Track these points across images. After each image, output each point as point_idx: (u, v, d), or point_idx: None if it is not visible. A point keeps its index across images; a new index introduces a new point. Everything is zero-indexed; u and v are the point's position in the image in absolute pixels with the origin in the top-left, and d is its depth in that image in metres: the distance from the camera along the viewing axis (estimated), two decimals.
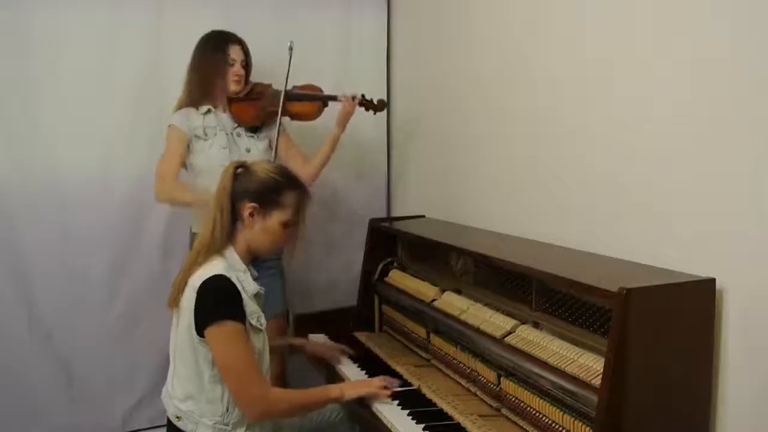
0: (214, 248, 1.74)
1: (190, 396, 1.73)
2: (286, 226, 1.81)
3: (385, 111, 2.89)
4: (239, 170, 1.80)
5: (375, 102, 2.76)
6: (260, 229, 1.79)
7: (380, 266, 2.60)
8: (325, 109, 2.70)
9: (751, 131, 1.43)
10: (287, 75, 2.53)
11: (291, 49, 2.49)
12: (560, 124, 2.04)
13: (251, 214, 1.77)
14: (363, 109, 2.75)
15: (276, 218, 1.79)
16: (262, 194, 1.78)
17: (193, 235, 2.60)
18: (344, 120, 2.68)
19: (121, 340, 2.89)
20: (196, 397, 1.73)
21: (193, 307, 1.68)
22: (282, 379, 2.53)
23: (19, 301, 2.76)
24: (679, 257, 1.58)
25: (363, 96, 2.74)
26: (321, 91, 2.70)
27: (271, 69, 2.69)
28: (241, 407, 1.71)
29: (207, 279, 1.68)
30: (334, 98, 2.67)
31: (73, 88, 2.76)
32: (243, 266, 1.77)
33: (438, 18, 2.78)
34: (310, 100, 2.66)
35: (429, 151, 2.92)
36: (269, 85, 2.63)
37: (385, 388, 1.91)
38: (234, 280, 1.71)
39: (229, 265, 1.74)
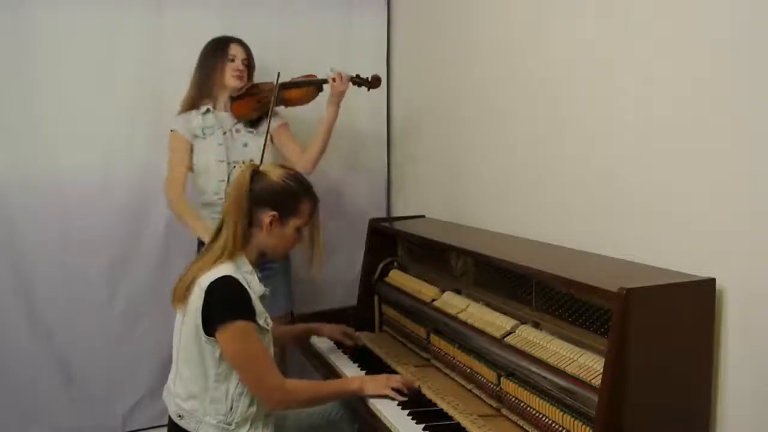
0: (234, 253, 1.76)
1: (194, 395, 1.74)
2: (299, 231, 1.85)
3: (384, 106, 2.86)
4: (254, 176, 1.81)
5: (369, 79, 2.72)
6: (278, 235, 1.82)
7: (380, 266, 2.60)
8: (321, 94, 2.69)
9: (750, 131, 1.43)
10: (275, 91, 2.53)
11: (279, 75, 2.53)
12: (560, 123, 2.04)
13: (271, 223, 1.79)
14: (357, 87, 2.70)
15: (292, 225, 1.83)
16: (281, 203, 1.80)
17: (199, 239, 2.61)
18: (337, 99, 2.63)
19: (121, 340, 2.89)
20: (200, 397, 1.73)
21: (200, 307, 1.69)
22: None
23: (19, 301, 2.76)
24: (679, 257, 1.58)
25: (357, 75, 2.70)
26: (315, 76, 2.70)
27: (271, 69, 2.69)
28: (262, 400, 1.75)
29: (215, 280, 1.70)
30: (325, 81, 2.64)
31: (73, 88, 2.76)
32: (249, 267, 1.79)
33: (438, 18, 2.78)
34: (303, 85, 2.66)
35: (429, 151, 2.92)
36: (268, 82, 2.64)
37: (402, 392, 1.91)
38: (241, 280, 1.73)
39: (236, 266, 1.75)
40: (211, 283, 1.69)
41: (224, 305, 1.69)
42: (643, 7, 1.70)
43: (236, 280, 1.71)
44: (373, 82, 2.73)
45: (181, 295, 1.76)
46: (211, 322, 1.68)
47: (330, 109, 2.65)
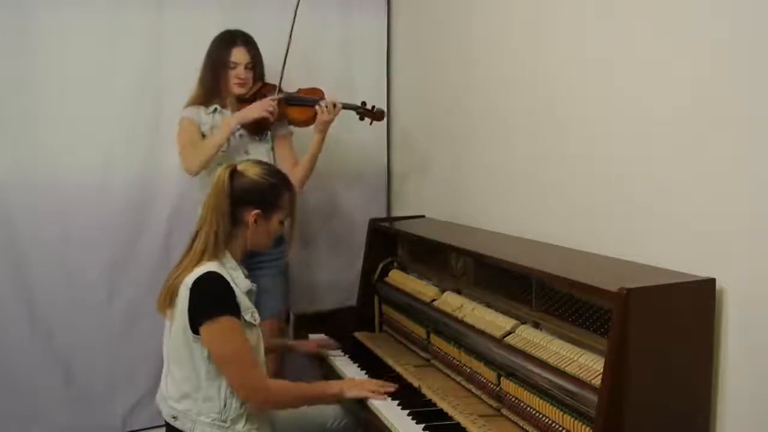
0: (216, 253, 1.76)
1: (187, 395, 1.74)
2: (282, 223, 1.88)
3: (384, 106, 2.88)
4: (233, 176, 1.80)
5: (374, 111, 2.71)
6: (263, 231, 1.84)
7: (380, 266, 2.60)
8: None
9: (750, 131, 1.43)
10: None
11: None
12: (560, 124, 2.04)
13: (256, 221, 1.80)
14: (359, 118, 2.71)
15: (276, 219, 1.85)
16: (263, 200, 1.81)
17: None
18: (323, 128, 2.59)
19: (120, 340, 2.89)
20: (192, 396, 1.74)
21: (186, 305, 1.70)
22: (280, 378, 2.53)
23: (19, 301, 2.76)
24: (679, 257, 1.58)
25: (363, 103, 2.71)
26: (322, 94, 2.66)
27: (271, 69, 2.69)
28: (243, 398, 1.74)
29: (199, 276, 1.71)
30: (316, 103, 2.58)
31: (73, 88, 2.76)
32: (235, 264, 1.80)
33: (438, 18, 2.78)
34: (307, 105, 2.63)
35: (429, 151, 2.92)
36: (276, 87, 2.62)
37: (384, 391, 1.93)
38: (226, 276, 1.73)
39: (220, 264, 1.76)
40: (195, 280, 1.70)
41: (208, 301, 1.70)
42: (643, 7, 1.70)
43: (220, 275, 1.72)
44: (378, 115, 2.72)
45: (165, 301, 1.76)
46: (196, 318, 1.69)
47: (316, 136, 2.61)
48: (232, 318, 1.70)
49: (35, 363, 2.78)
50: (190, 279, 1.71)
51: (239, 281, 1.78)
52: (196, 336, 1.70)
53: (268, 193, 1.82)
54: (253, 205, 1.80)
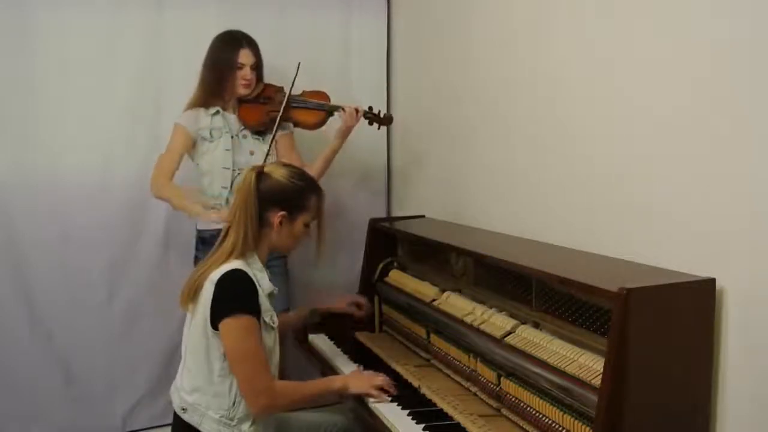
0: (244, 252, 1.78)
1: (198, 389, 1.75)
2: (308, 226, 1.89)
3: (384, 106, 2.89)
4: (260, 177, 1.83)
5: (381, 116, 2.73)
6: (287, 233, 1.86)
7: (380, 266, 2.60)
8: (330, 119, 2.68)
9: (750, 131, 1.43)
10: (291, 86, 2.54)
11: (299, 65, 2.52)
12: (560, 124, 2.04)
13: (281, 222, 1.82)
14: (368, 122, 2.72)
15: (301, 221, 1.87)
16: (288, 202, 1.84)
17: (198, 233, 2.61)
18: (345, 133, 2.63)
19: (120, 340, 2.89)
20: (203, 390, 1.75)
21: (210, 300, 1.71)
22: (282, 377, 2.53)
23: (19, 301, 2.76)
24: (679, 257, 1.58)
25: (370, 108, 2.71)
26: (328, 99, 2.67)
27: (270, 69, 2.69)
28: (247, 400, 1.74)
29: (225, 273, 1.73)
30: (337, 108, 2.63)
31: (73, 88, 2.76)
32: (260, 265, 1.82)
33: (438, 18, 2.78)
34: (315, 109, 2.64)
35: (429, 151, 2.92)
36: (280, 89, 2.62)
37: (387, 391, 1.92)
38: (251, 276, 1.75)
39: (247, 263, 1.78)
40: (222, 275, 1.72)
41: (231, 298, 1.72)
42: (643, 7, 1.70)
43: (245, 273, 1.74)
44: (385, 120, 2.74)
45: (189, 295, 1.78)
46: (217, 313, 1.71)
47: (335, 141, 2.64)
48: (251, 317, 1.71)
49: (35, 363, 2.78)
50: (215, 275, 1.73)
51: (263, 283, 1.80)
52: (215, 331, 1.71)
53: (294, 195, 1.85)
54: (278, 206, 1.82)
